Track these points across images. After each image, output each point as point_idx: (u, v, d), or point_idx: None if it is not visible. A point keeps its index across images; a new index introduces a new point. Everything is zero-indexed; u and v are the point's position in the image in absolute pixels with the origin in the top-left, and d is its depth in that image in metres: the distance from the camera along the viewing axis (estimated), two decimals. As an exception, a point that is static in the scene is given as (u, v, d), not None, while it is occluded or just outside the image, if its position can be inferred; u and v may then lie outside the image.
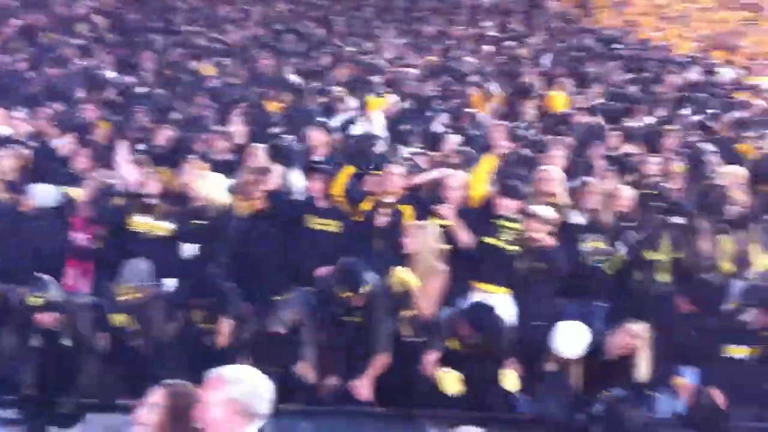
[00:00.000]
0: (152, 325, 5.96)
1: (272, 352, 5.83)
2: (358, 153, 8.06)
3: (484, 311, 6.00)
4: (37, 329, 5.78)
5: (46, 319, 5.77)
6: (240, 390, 3.30)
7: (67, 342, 5.80)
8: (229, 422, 3.27)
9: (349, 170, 7.36)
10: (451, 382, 5.81)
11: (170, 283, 6.59)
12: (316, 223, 7.04)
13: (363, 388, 5.85)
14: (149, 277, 6.07)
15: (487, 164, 7.22)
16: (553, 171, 7.41)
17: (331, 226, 7.03)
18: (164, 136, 8.59)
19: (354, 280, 5.85)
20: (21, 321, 5.82)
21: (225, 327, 6.00)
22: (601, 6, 19.47)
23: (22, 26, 13.63)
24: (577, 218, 7.18)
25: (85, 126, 8.90)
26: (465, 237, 6.71)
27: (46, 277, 5.91)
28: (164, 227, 6.94)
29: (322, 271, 6.70)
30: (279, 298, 6.31)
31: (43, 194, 7.18)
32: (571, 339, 5.89)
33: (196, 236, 6.85)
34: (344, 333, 6.00)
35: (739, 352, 6.03)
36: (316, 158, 7.80)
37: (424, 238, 6.32)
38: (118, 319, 5.95)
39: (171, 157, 7.83)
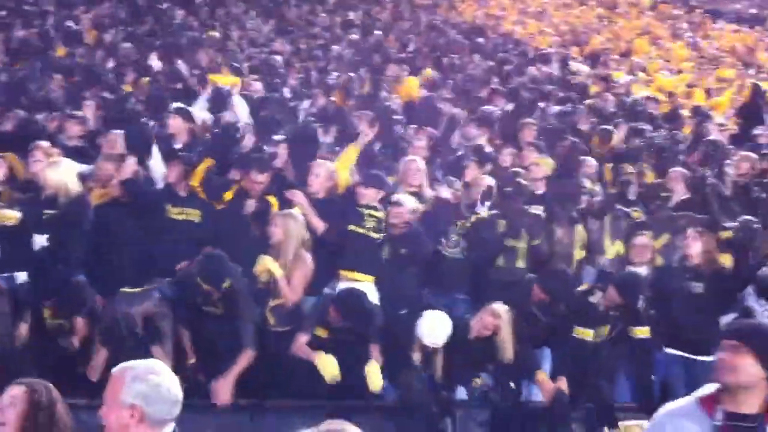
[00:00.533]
0: None
1: (129, 347, 5.61)
2: (223, 142, 7.86)
3: (353, 297, 6.03)
4: None
5: None
6: (142, 391, 2.92)
7: None
8: (129, 426, 2.91)
9: (208, 162, 7.18)
10: (329, 365, 5.80)
11: (20, 276, 6.26)
12: (176, 213, 6.82)
13: (223, 389, 5.70)
14: None
15: (351, 153, 7.19)
16: (416, 161, 7.51)
17: (192, 215, 6.83)
18: (12, 119, 8.12)
19: (216, 275, 5.77)
20: None
21: (80, 326, 5.81)
22: (466, -1, 19.89)
23: None
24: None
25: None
26: (317, 224, 6.68)
27: None
28: (12, 216, 6.54)
29: (184, 264, 6.54)
30: (136, 290, 6.07)
31: None
32: (435, 328, 5.96)
33: (48, 226, 6.49)
34: (205, 325, 5.90)
35: (585, 334, 6.27)
36: (176, 145, 7.55)
37: (288, 227, 6.24)
38: None
39: (19, 142, 7.38)
